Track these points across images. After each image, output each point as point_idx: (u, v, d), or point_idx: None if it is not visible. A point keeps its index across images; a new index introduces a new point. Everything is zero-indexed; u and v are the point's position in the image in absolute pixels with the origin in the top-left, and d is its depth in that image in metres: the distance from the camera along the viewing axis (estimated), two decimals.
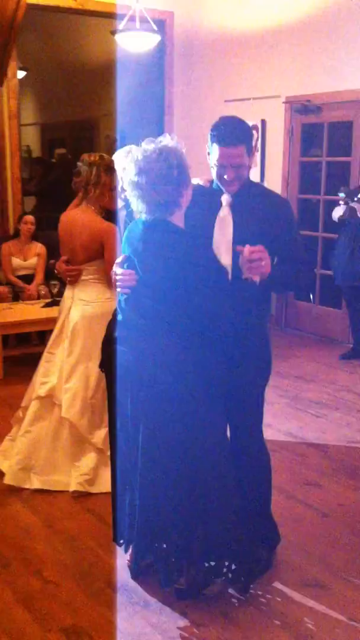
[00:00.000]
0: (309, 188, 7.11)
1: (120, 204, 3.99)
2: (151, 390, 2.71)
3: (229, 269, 2.79)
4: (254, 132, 2.95)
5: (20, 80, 7.46)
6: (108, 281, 3.81)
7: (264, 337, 3.00)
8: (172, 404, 2.70)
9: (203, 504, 2.77)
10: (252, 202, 2.86)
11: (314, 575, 3.06)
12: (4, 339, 5.77)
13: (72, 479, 3.76)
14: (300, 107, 6.78)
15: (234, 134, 2.75)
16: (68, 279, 3.92)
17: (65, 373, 3.85)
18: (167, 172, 2.62)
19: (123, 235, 2.96)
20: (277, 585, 2.99)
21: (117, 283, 2.80)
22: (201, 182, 2.95)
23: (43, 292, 6.33)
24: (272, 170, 7.18)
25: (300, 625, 2.73)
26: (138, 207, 2.71)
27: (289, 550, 3.20)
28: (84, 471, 3.77)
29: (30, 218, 6.58)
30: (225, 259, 2.79)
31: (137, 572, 2.99)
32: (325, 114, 6.68)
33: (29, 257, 6.57)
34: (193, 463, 2.74)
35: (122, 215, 4.03)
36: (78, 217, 3.85)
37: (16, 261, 6.51)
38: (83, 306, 3.86)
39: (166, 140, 2.71)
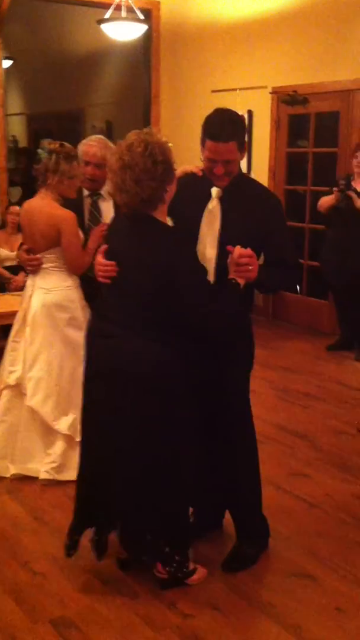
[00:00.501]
0: (295, 179, 7.10)
1: (85, 192, 3.98)
2: (127, 383, 2.70)
3: (212, 262, 2.77)
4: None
5: (6, 70, 7.42)
6: (68, 269, 3.85)
7: (246, 327, 2.99)
8: (147, 396, 2.69)
9: (151, 487, 2.78)
10: (243, 198, 2.83)
11: (302, 565, 3.07)
12: None
13: (40, 467, 3.79)
14: (287, 98, 6.76)
15: (225, 130, 2.72)
16: (29, 268, 3.94)
17: (28, 362, 3.87)
18: (152, 168, 2.60)
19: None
20: (265, 575, 3.00)
21: (99, 273, 2.79)
22: (194, 170, 2.93)
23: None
24: (259, 161, 7.16)
25: (288, 616, 2.74)
26: (121, 201, 2.69)
27: (276, 541, 3.20)
28: (52, 459, 3.80)
29: (16, 209, 6.52)
30: (210, 252, 2.78)
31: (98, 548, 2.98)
32: (312, 104, 6.66)
33: (16, 248, 6.52)
34: (155, 453, 2.75)
35: (87, 202, 4.02)
36: (36, 204, 3.86)
37: (3, 252, 6.47)
38: (43, 294, 3.87)
39: (152, 133, 2.69)
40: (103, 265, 2.77)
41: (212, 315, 2.66)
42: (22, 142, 11.69)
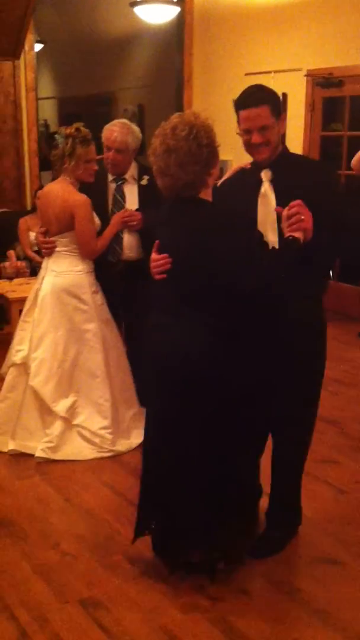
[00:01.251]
0: (329, 163, 7.02)
1: (110, 177, 3.96)
2: (176, 373, 2.67)
3: (276, 247, 2.68)
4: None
5: (37, 53, 7.42)
6: (80, 253, 3.86)
7: (319, 320, 2.89)
8: (196, 385, 2.66)
9: (202, 490, 2.75)
10: (293, 173, 2.73)
11: (330, 551, 3.06)
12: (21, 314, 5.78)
13: (38, 446, 3.86)
14: (322, 81, 6.68)
15: (253, 95, 2.68)
16: (44, 250, 3.98)
17: (34, 342, 3.92)
18: (196, 152, 2.56)
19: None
20: (293, 561, 3.00)
21: (153, 270, 2.72)
22: (243, 166, 2.88)
23: None
24: (293, 144, 7.05)
25: (315, 601, 2.74)
26: (163, 185, 2.67)
27: (304, 527, 3.19)
28: (49, 438, 3.86)
29: (41, 192, 6.54)
30: (272, 237, 2.70)
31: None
32: (347, 87, 6.56)
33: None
34: (207, 456, 2.72)
35: (111, 187, 3.99)
36: (53, 188, 3.89)
37: (34, 236, 6.50)
38: (54, 277, 3.91)
39: (197, 115, 2.64)
40: (155, 261, 2.71)
41: (264, 275, 2.58)
42: (53, 126, 11.71)
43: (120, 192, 3.99)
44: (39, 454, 3.83)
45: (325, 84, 6.67)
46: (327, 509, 3.40)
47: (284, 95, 6.94)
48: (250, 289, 2.58)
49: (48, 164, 9.29)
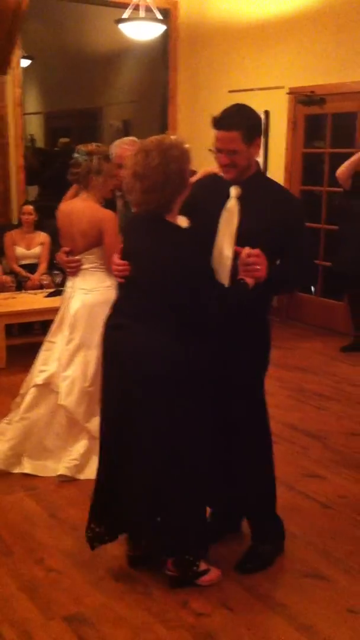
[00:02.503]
0: (311, 180, 7.10)
1: (117, 192, 4.00)
2: (140, 379, 2.75)
3: (229, 261, 2.76)
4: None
5: (25, 69, 7.46)
6: (108, 268, 3.84)
7: (263, 327, 2.97)
8: (152, 387, 2.73)
9: (167, 490, 2.81)
10: (261, 197, 2.81)
11: (315, 566, 3.08)
12: (7, 328, 5.78)
13: (60, 464, 3.83)
14: (304, 99, 6.76)
15: (228, 118, 2.72)
16: (68, 270, 3.96)
17: (64, 361, 3.89)
18: (162, 184, 2.62)
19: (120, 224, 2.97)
20: (279, 575, 3.01)
21: (114, 272, 2.86)
22: (215, 171, 2.92)
23: (46, 282, 6.34)
24: (275, 161, 7.16)
25: (300, 616, 2.75)
26: (131, 201, 2.78)
27: (290, 541, 3.21)
28: (74, 457, 3.83)
29: (28, 208, 6.57)
30: (227, 251, 2.78)
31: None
32: (329, 105, 6.66)
33: (33, 246, 6.57)
34: (170, 453, 2.77)
35: (119, 204, 4.05)
36: (77, 205, 3.87)
37: (20, 250, 6.52)
38: (83, 295, 3.90)
39: (173, 143, 2.67)
40: (117, 265, 2.82)
41: (222, 308, 2.69)
42: (40, 141, 11.74)
43: (128, 208, 3.98)
44: (62, 471, 3.78)
45: (307, 102, 6.76)
46: (312, 524, 3.42)
47: (267, 112, 7.03)
48: (211, 312, 2.67)
49: (34, 179, 9.37)
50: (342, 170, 5.93)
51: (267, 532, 3.14)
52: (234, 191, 2.81)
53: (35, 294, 6.11)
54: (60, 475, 3.79)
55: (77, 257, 3.89)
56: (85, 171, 3.81)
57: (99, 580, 2.95)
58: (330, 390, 5.30)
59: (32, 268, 6.53)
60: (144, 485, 2.82)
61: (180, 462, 2.78)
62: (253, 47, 7.28)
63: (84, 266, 3.91)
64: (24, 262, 6.55)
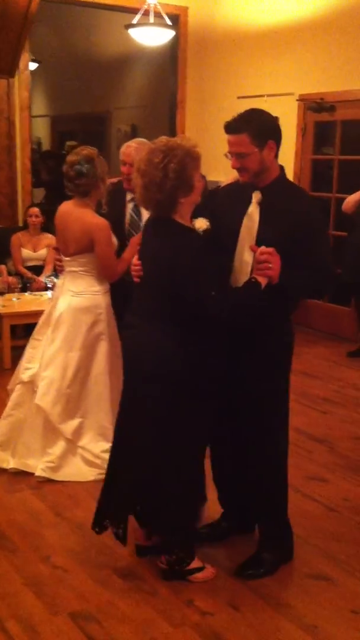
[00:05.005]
0: (320, 186, 7.12)
1: (128, 196, 4.02)
2: (139, 377, 2.81)
3: (249, 266, 2.76)
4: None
5: (32, 72, 7.49)
6: (98, 274, 3.88)
7: (281, 333, 2.90)
8: (153, 386, 2.76)
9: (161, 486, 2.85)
10: (281, 202, 2.78)
11: (320, 568, 3.09)
12: (12, 329, 5.80)
13: (38, 465, 3.85)
14: (314, 105, 6.79)
15: (236, 121, 2.72)
16: (57, 267, 4.03)
17: (45, 361, 3.91)
18: (161, 181, 2.63)
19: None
20: (284, 577, 3.02)
21: (132, 273, 2.89)
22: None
23: (51, 285, 6.35)
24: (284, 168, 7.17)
25: (305, 616, 2.76)
26: (139, 200, 2.81)
27: (295, 544, 3.20)
28: (50, 458, 3.84)
29: (35, 210, 6.59)
30: (247, 256, 2.77)
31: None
32: (339, 112, 6.69)
33: (39, 249, 6.60)
34: (164, 454, 2.81)
35: (130, 207, 4.07)
36: (73, 211, 3.86)
37: (26, 252, 6.54)
38: (71, 297, 3.91)
39: (180, 144, 2.69)
40: (134, 265, 2.87)
41: (224, 309, 2.65)
42: (46, 145, 11.79)
43: (137, 211, 4.01)
44: (39, 473, 3.80)
45: (316, 109, 6.79)
46: (317, 526, 3.42)
47: (276, 119, 7.04)
48: (210, 313, 2.65)
49: (41, 182, 9.41)
50: (349, 205, 6.07)
51: (273, 540, 3.10)
52: (255, 197, 2.81)
53: (41, 295, 6.12)
54: (36, 477, 3.80)
55: (62, 258, 3.94)
56: (93, 180, 3.78)
57: (104, 578, 2.96)
58: (336, 395, 5.31)
59: (37, 270, 6.55)
60: (141, 478, 2.87)
61: (171, 461, 2.80)
62: (263, 54, 7.32)
63: (75, 268, 3.91)
64: (29, 264, 6.57)
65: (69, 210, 3.89)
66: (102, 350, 3.89)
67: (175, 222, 2.73)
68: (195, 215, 2.86)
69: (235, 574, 2.99)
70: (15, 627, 2.64)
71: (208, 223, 2.85)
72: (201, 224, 2.84)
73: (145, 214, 4.00)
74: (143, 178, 2.67)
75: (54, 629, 2.64)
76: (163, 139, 2.74)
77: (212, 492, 3.20)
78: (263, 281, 2.67)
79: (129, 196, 4.04)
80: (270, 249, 2.64)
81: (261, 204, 2.80)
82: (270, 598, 2.87)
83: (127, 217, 4.05)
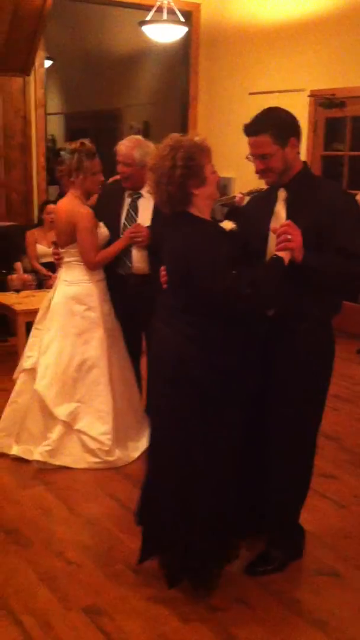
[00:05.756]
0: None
1: (127, 192, 4.07)
2: (157, 371, 2.85)
3: None
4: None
5: (47, 70, 7.53)
6: (85, 264, 4.00)
7: (321, 341, 2.84)
8: (169, 387, 2.75)
9: (190, 501, 2.77)
10: (308, 197, 2.75)
11: (329, 564, 3.12)
12: (28, 326, 5.85)
13: (36, 449, 3.95)
14: (325, 101, 6.79)
15: (255, 123, 2.73)
16: (55, 261, 4.20)
17: (43, 348, 4.05)
18: (169, 172, 2.65)
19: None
20: (293, 573, 3.05)
21: (161, 280, 2.89)
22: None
23: None
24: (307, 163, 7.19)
25: (315, 612, 2.80)
26: (155, 200, 2.84)
27: (305, 540, 3.25)
28: (48, 442, 3.95)
29: (51, 207, 6.64)
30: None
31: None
32: (349, 108, 6.68)
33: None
34: (190, 466, 2.75)
35: (127, 201, 4.10)
36: (62, 202, 4.06)
37: (41, 248, 6.60)
38: (65, 286, 4.06)
39: (186, 137, 2.72)
40: (162, 271, 2.87)
41: (243, 286, 2.58)
42: (60, 142, 11.82)
43: (134, 206, 4.07)
44: (36, 457, 3.92)
45: (327, 105, 6.79)
46: (326, 523, 3.46)
47: None
48: (228, 292, 2.58)
49: (55, 179, 9.43)
50: None
51: (284, 537, 3.10)
52: (280, 195, 2.81)
53: None
54: (35, 461, 3.92)
55: (59, 250, 4.09)
56: (67, 169, 3.95)
57: (116, 574, 3.01)
58: (346, 392, 5.33)
59: (53, 266, 6.59)
60: (164, 491, 2.82)
61: (192, 472, 2.74)
62: (274, 50, 7.32)
63: (68, 259, 4.06)
64: (45, 260, 6.62)
65: (60, 203, 4.08)
66: (97, 336, 4.01)
67: (191, 214, 2.72)
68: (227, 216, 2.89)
69: (244, 571, 3.02)
70: (29, 620, 2.70)
71: (234, 225, 2.84)
72: (226, 225, 2.83)
73: (143, 209, 4.06)
74: (154, 174, 2.70)
75: (68, 624, 2.70)
76: (174, 135, 2.76)
77: None
78: (286, 255, 2.59)
79: (127, 192, 4.09)
80: (289, 222, 2.60)
81: (287, 200, 2.79)
82: (280, 594, 2.91)
83: (124, 212, 4.09)
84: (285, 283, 2.62)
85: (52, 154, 10.31)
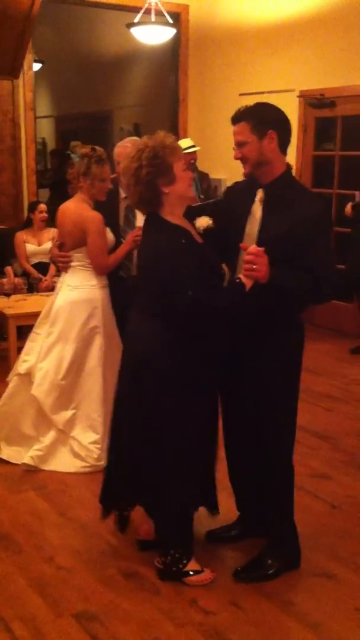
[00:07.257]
0: (321, 182, 7.11)
1: (122, 194, 4.04)
2: (133, 371, 2.85)
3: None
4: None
5: (36, 73, 7.50)
6: (93, 268, 3.95)
7: (289, 332, 2.88)
8: (139, 377, 2.81)
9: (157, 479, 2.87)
10: (285, 201, 2.73)
11: (323, 565, 3.09)
12: (18, 330, 5.81)
13: (27, 453, 3.94)
14: (314, 101, 6.78)
15: (239, 111, 2.75)
16: (60, 265, 4.08)
17: (42, 353, 4.01)
18: (136, 173, 2.68)
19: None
20: (287, 574, 3.02)
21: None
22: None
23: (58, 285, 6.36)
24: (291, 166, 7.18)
25: (309, 614, 2.77)
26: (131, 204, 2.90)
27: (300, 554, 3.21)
28: (39, 447, 3.94)
29: (44, 207, 6.64)
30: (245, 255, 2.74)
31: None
32: (339, 107, 6.68)
33: (44, 242, 6.61)
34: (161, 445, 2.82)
35: (122, 206, 4.09)
36: (69, 206, 3.99)
37: (30, 247, 6.56)
38: (69, 291, 4.00)
39: (154, 137, 2.73)
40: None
41: (202, 319, 2.65)
42: (51, 144, 11.80)
43: (131, 210, 4.03)
44: (26, 460, 3.90)
45: (317, 105, 6.78)
46: (320, 523, 3.43)
47: None
48: (181, 312, 2.63)
49: (45, 182, 9.41)
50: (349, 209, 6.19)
51: (277, 543, 3.06)
52: (259, 195, 2.80)
53: (48, 295, 6.12)
54: (23, 464, 3.90)
55: (67, 253, 3.99)
56: (76, 172, 3.91)
57: (107, 578, 2.97)
58: (339, 391, 5.31)
59: (44, 268, 6.56)
60: (136, 471, 2.92)
61: (162, 454, 2.81)
62: (263, 50, 7.31)
63: (73, 263, 4.00)
64: (35, 261, 6.58)
65: (66, 207, 4.00)
66: (97, 343, 3.97)
67: (161, 218, 2.74)
68: (205, 210, 2.87)
69: (233, 575, 2.98)
70: (19, 627, 2.66)
71: (210, 222, 2.84)
72: (202, 222, 2.83)
73: (140, 213, 4.04)
74: (124, 177, 2.76)
75: (58, 630, 2.66)
76: (142, 138, 2.81)
77: (226, 497, 3.24)
78: (248, 282, 2.62)
79: (122, 194, 4.06)
80: (258, 250, 2.59)
81: (264, 202, 2.78)
82: (273, 596, 2.87)
83: (122, 216, 4.08)
84: (252, 291, 2.65)
85: (43, 157, 10.32)
